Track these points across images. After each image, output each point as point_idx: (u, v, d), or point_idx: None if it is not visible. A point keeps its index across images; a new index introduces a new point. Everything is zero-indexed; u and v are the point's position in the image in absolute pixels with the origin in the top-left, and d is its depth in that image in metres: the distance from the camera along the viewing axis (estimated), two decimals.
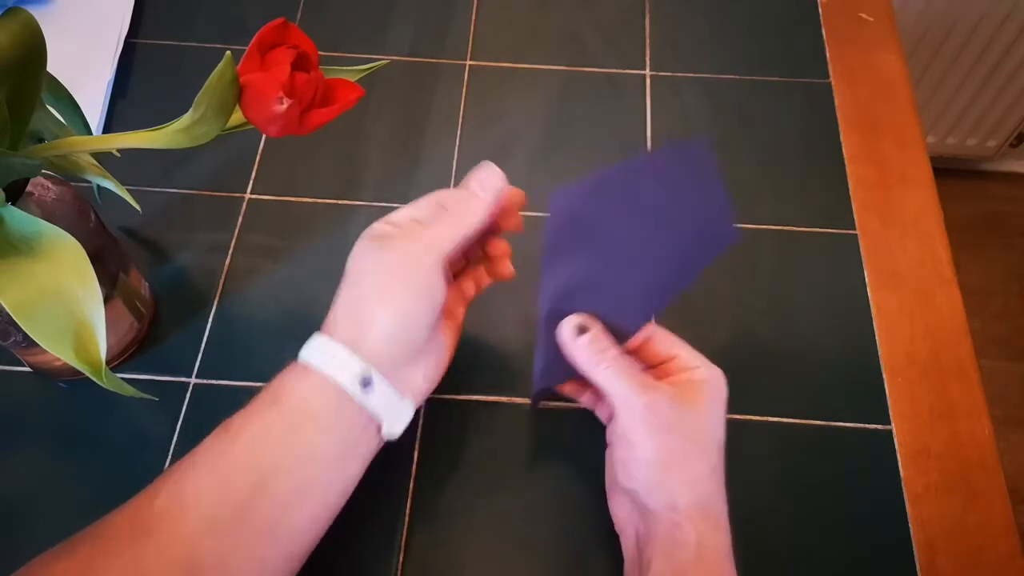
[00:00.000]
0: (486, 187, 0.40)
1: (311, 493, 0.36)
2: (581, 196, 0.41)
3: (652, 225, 0.41)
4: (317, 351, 0.37)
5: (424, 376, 0.40)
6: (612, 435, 0.41)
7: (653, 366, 0.41)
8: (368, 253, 0.39)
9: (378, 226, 0.40)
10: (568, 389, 0.45)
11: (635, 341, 0.42)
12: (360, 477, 0.38)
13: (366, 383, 0.37)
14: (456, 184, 0.56)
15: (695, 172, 0.41)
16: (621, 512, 0.41)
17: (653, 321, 0.42)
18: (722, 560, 0.37)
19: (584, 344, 0.40)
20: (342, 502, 0.38)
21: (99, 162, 0.42)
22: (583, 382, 0.43)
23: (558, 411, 0.48)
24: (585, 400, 0.45)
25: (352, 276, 0.39)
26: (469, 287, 0.44)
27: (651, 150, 0.42)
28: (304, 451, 0.36)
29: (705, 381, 0.40)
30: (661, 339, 0.42)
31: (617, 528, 0.42)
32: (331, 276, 0.52)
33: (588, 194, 0.41)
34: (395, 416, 0.38)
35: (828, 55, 0.63)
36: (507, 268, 0.44)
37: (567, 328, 0.40)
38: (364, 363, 0.37)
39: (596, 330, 0.40)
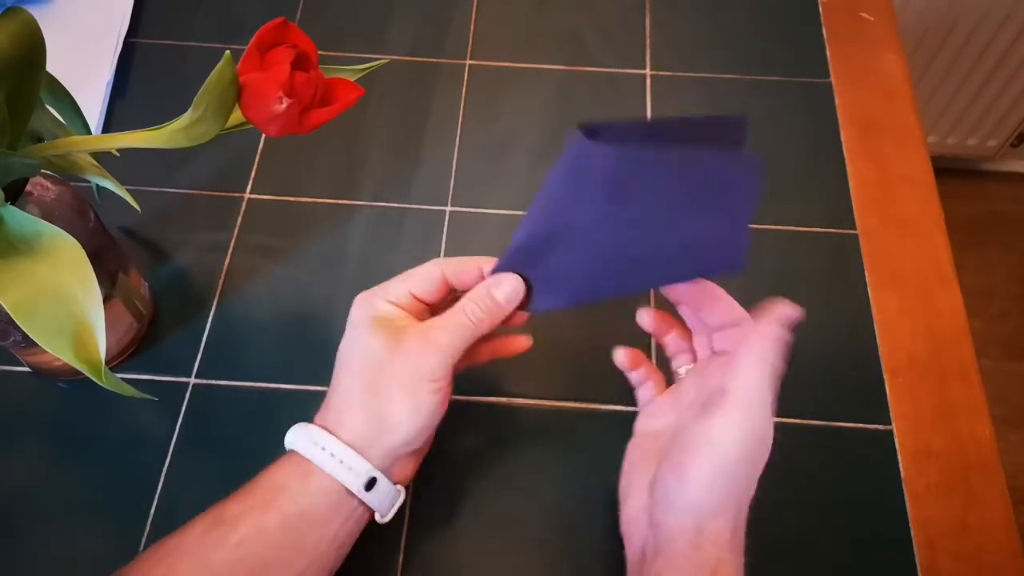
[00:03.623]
0: (511, 301, 0.39)
1: None
2: (610, 156, 0.36)
3: (661, 213, 0.37)
4: (324, 452, 0.37)
5: (415, 464, 0.40)
6: (691, 431, 0.37)
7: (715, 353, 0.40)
8: (377, 343, 0.38)
9: (381, 305, 0.39)
10: (631, 357, 0.43)
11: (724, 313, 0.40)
12: (348, 551, 0.39)
13: (371, 485, 0.37)
14: (455, 184, 0.56)
15: (734, 184, 0.37)
16: (630, 517, 0.40)
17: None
18: None
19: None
20: None
21: (99, 162, 0.42)
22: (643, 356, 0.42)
23: (560, 412, 0.48)
24: (635, 377, 0.43)
25: (359, 366, 0.38)
26: (482, 353, 0.42)
27: (704, 126, 0.37)
28: (298, 545, 0.36)
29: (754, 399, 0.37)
30: (736, 333, 0.39)
31: (623, 532, 0.40)
32: (330, 276, 0.53)
33: (614, 157, 0.36)
34: (390, 506, 0.39)
35: (829, 54, 0.63)
36: (524, 342, 0.43)
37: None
38: (372, 467, 0.37)
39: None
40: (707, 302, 0.40)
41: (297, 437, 0.38)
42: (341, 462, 0.36)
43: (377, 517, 0.38)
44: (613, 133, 0.36)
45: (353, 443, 0.37)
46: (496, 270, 0.40)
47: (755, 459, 0.36)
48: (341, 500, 0.37)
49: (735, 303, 0.40)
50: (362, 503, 0.37)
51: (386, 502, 0.38)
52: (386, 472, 0.38)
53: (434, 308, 0.41)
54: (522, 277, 0.39)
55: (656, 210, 0.37)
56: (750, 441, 0.35)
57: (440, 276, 0.40)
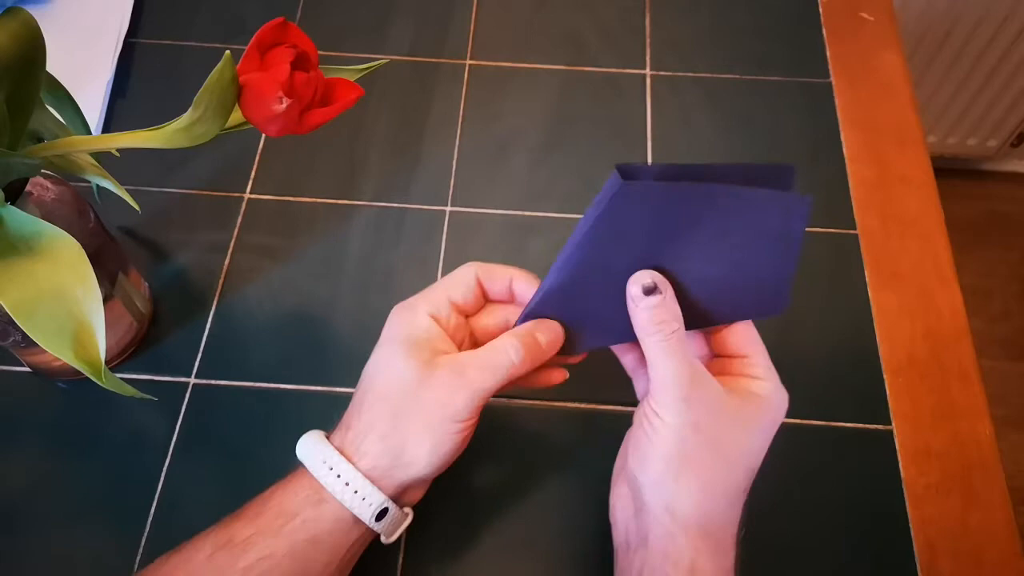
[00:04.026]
0: (553, 347, 0.38)
1: None
2: (650, 198, 0.35)
3: (706, 256, 0.37)
4: (339, 480, 0.36)
5: (425, 489, 0.40)
6: (639, 414, 0.38)
7: (719, 355, 0.39)
8: (408, 370, 0.37)
9: (420, 320, 0.38)
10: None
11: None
12: (351, 570, 0.39)
13: (382, 515, 0.37)
14: (455, 184, 0.56)
15: (780, 228, 0.36)
16: (618, 502, 0.39)
17: None
18: None
19: (648, 306, 0.36)
20: None
21: (98, 162, 0.42)
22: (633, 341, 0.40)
23: (560, 412, 0.48)
24: (627, 362, 0.41)
25: (386, 390, 0.37)
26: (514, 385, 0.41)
27: (748, 174, 0.36)
28: (306, 572, 0.36)
29: (765, 399, 0.37)
30: (740, 332, 0.38)
31: (611, 518, 0.39)
32: (330, 276, 0.53)
33: (659, 199, 0.35)
34: (396, 530, 0.39)
35: (828, 54, 0.63)
36: (560, 375, 0.41)
37: (636, 283, 0.36)
38: (386, 498, 0.37)
39: (667, 296, 0.36)
40: None
41: (311, 454, 0.37)
42: (356, 492, 0.36)
43: (382, 539, 0.38)
44: (652, 176, 0.35)
45: (370, 473, 0.36)
46: (530, 311, 0.39)
47: (702, 428, 0.35)
48: (351, 528, 0.37)
49: None
50: (371, 529, 0.37)
51: (394, 527, 0.38)
52: (397, 500, 0.38)
53: (471, 319, 0.41)
54: (559, 320, 0.39)
55: (696, 256, 0.36)
56: (681, 405, 0.35)
57: (475, 278, 0.40)
